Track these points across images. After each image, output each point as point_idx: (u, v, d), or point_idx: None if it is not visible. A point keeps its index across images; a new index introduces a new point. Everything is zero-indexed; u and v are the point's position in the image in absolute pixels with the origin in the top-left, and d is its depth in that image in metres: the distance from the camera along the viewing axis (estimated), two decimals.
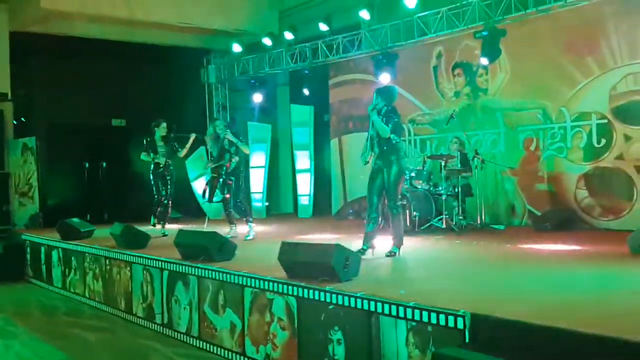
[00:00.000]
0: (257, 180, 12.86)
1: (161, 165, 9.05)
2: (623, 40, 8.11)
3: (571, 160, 8.75)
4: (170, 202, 9.20)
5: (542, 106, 9.05)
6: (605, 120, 8.34)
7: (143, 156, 9.12)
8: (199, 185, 12.36)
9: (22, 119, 12.80)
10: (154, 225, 9.21)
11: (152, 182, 9.14)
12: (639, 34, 7.94)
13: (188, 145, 9.11)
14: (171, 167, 9.15)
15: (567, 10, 8.35)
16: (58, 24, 11.71)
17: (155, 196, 9.17)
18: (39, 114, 12.75)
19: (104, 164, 13.40)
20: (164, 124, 9.15)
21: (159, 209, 9.18)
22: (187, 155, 9.60)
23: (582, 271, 5.19)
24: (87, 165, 13.29)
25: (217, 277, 5.70)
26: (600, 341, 3.07)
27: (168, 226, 9.29)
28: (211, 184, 8.68)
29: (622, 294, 4.19)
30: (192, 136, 9.10)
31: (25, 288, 9.75)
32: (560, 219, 8.38)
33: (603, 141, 8.39)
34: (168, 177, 9.08)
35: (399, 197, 6.43)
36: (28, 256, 10.29)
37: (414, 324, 3.85)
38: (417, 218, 8.38)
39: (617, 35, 8.17)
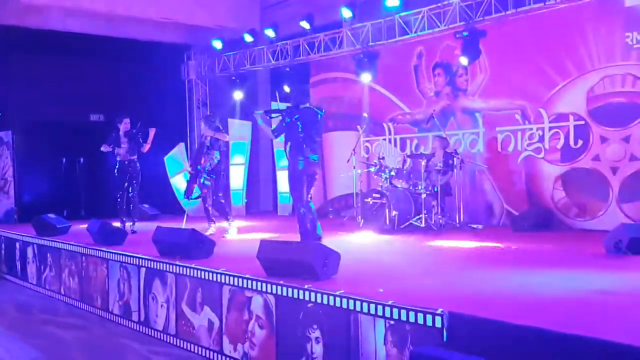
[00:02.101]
0: (237, 178, 12.81)
1: (125, 162, 8.95)
2: (600, 43, 8.22)
3: (549, 160, 8.85)
4: (136, 200, 9.13)
5: (520, 107, 9.13)
6: (583, 122, 8.44)
7: (103, 147, 8.99)
8: (178, 182, 12.28)
9: None
10: (125, 228, 8.79)
11: (116, 180, 9.03)
12: (616, 37, 8.05)
13: (149, 140, 8.96)
14: (137, 164, 9.04)
15: (546, 12, 8.45)
16: (36, 17, 11.53)
17: (118, 196, 9.04)
18: (15, 108, 12.52)
19: (82, 160, 13.23)
20: (127, 120, 9.04)
21: (129, 208, 9.06)
22: (148, 150, 9.22)
23: (558, 271, 5.24)
24: (64, 160, 13.11)
25: (195, 275, 5.66)
26: (575, 340, 3.10)
27: (146, 223, 9.20)
28: (190, 181, 8.61)
29: (597, 294, 4.24)
30: (152, 130, 8.94)
31: None
32: (537, 219, 8.47)
33: (580, 142, 8.49)
34: (134, 174, 8.98)
35: (299, 196, 6.44)
36: (2, 252, 10.13)
37: (392, 322, 3.86)
38: (396, 217, 8.40)
39: (594, 37, 8.27)
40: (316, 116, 6.43)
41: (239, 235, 8.46)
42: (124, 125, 9.03)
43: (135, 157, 9.02)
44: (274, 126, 6.87)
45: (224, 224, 8.51)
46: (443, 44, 9.95)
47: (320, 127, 6.55)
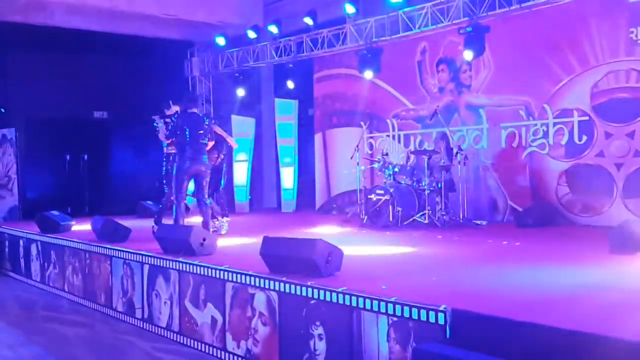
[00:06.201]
0: (241, 174, 12.81)
1: (171, 157, 7.83)
2: (604, 38, 8.17)
3: (553, 156, 8.81)
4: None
5: (524, 103, 9.10)
6: (587, 118, 8.40)
7: (155, 123, 7.85)
8: None
9: (2, 109, 12.61)
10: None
11: (165, 177, 7.97)
12: (620, 32, 8.01)
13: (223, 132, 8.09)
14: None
15: (549, 8, 8.41)
16: (39, 14, 11.54)
17: (172, 196, 7.45)
18: (18, 105, 12.56)
19: (85, 157, 13.26)
20: (177, 107, 7.94)
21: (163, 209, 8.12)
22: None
23: (563, 267, 5.22)
24: (68, 157, 13.13)
25: (198, 272, 5.66)
26: (577, 337, 3.08)
27: (149, 220, 9.14)
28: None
29: (600, 291, 4.22)
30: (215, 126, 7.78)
31: (3, 282, 9.61)
32: (541, 215, 8.44)
33: (584, 138, 8.45)
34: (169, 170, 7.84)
35: (178, 191, 7.20)
36: (6, 249, 10.15)
37: (395, 319, 3.85)
38: (400, 213, 8.39)
39: (598, 32, 8.23)
40: (202, 121, 7.20)
41: (242, 231, 8.43)
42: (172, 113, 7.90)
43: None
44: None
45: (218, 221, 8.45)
46: (447, 40, 9.92)
47: (206, 131, 7.23)
